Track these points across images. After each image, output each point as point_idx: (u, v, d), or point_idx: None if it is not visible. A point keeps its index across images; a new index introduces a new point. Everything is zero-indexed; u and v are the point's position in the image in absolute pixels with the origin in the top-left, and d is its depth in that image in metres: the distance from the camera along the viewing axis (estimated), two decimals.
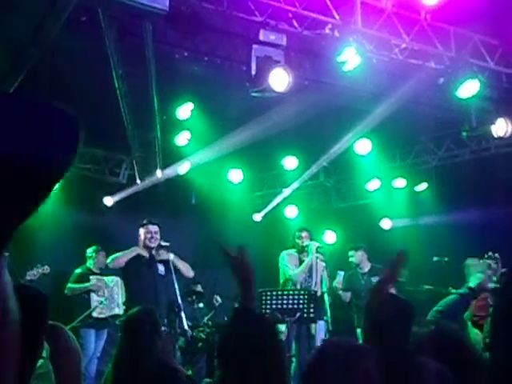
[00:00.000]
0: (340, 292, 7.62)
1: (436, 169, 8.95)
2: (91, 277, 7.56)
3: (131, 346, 2.98)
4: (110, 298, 7.53)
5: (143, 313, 3.19)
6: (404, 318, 2.93)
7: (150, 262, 6.47)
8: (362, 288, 7.44)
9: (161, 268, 6.50)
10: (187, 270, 6.63)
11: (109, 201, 8.90)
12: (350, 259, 7.91)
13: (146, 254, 6.43)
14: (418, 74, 6.28)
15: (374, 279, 7.63)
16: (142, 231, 6.46)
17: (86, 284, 7.49)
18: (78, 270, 7.66)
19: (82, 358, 2.34)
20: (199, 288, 8.61)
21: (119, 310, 7.31)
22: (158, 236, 6.47)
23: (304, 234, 7.11)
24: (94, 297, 7.46)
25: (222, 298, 9.03)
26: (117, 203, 8.93)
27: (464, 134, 7.02)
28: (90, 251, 7.78)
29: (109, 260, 6.61)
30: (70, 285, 7.52)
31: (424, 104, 7.24)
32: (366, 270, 7.79)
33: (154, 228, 6.46)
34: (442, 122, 7.57)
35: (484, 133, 6.89)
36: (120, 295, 7.48)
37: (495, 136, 6.88)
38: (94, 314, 7.37)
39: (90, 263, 7.73)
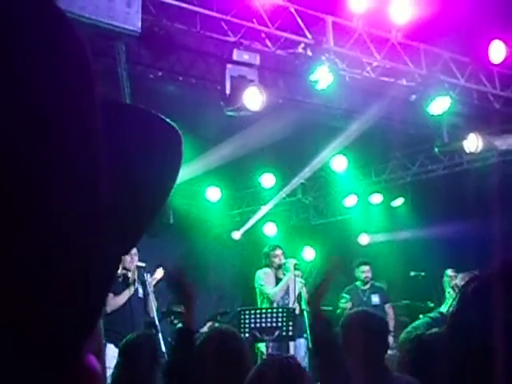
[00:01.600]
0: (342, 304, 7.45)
1: (411, 184, 9.05)
2: None
3: (130, 373, 2.88)
4: None
5: (144, 339, 3.08)
6: (379, 335, 2.95)
7: (128, 283, 6.43)
8: (362, 305, 7.37)
9: (140, 290, 6.48)
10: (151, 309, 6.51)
11: None
12: (359, 274, 7.79)
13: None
14: (391, 92, 6.38)
15: (375, 296, 7.62)
16: None
17: None
18: None
19: None
20: (181, 309, 8.52)
21: None
22: (136, 257, 6.44)
23: (278, 251, 7.07)
24: None
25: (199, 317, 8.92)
26: None
27: (436, 149, 7.13)
28: None
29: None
30: None
31: (397, 121, 7.34)
32: (368, 286, 7.76)
33: (133, 249, 6.43)
34: (415, 138, 7.68)
35: (456, 148, 7.01)
36: None
37: (467, 151, 7.00)
38: None
39: None
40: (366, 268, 7.82)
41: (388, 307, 7.55)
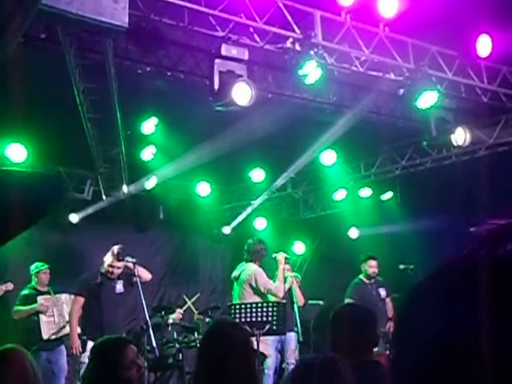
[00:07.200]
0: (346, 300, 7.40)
1: (400, 178, 9.09)
2: (38, 297, 7.16)
3: (95, 374, 2.79)
4: (59, 316, 7.15)
5: (109, 343, 2.92)
6: (366, 328, 2.95)
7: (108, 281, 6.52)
8: (372, 300, 7.38)
9: (119, 286, 6.52)
10: (145, 274, 6.67)
11: (74, 218, 8.78)
12: (370, 269, 7.73)
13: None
14: (379, 86, 6.40)
15: (382, 290, 7.63)
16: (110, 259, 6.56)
17: (33, 305, 7.08)
18: (25, 292, 7.26)
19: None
20: (178, 311, 8.50)
21: None
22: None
23: (266, 247, 7.04)
24: (43, 318, 7.09)
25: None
26: (83, 220, 8.82)
27: (425, 143, 7.16)
28: (32, 269, 7.36)
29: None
30: (16, 308, 7.11)
31: (385, 115, 7.37)
32: (373, 280, 7.77)
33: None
34: (403, 131, 7.71)
35: (444, 142, 7.03)
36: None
37: (455, 145, 7.03)
38: (45, 336, 7.04)
39: (34, 282, 7.35)
40: (373, 263, 7.76)
41: (389, 301, 7.62)
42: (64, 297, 7.26)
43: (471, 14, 6.04)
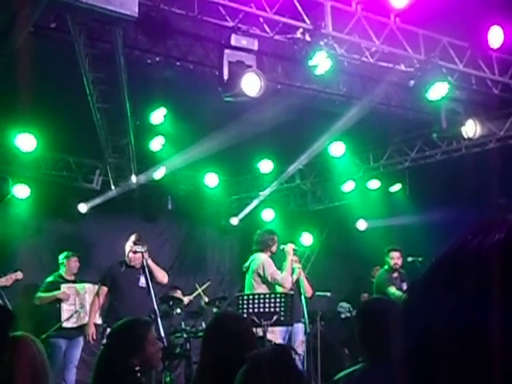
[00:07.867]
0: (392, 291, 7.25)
1: (409, 170, 9.06)
2: (62, 285, 7.25)
3: (108, 357, 2.85)
4: (80, 306, 7.18)
5: (125, 326, 2.98)
6: (392, 321, 2.91)
7: (131, 271, 6.55)
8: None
9: (143, 280, 6.53)
10: (162, 275, 6.66)
11: (83, 207, 8.82)
12: (391, 260, 7.60)
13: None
14: (389, 77, 6.36)
15: (404, 285, 7.55)
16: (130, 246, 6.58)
17: (55, 293, 7.17)
18: (50, 279, 7.38)
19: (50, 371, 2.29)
20: (178, 294, 8.55)
21: None
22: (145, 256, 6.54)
23: (275, 237, 6.99)
24: (64, 306, 7.15)
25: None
26: (92, 210, 8.86)
27: (434, 135, 7.12)
28: (61, 257, 7.49)
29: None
30: (38, 294, 7.24)
31: (395, 106, 7.33)
32: (397, 274, 7.67)
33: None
34: (413, 123, 7.67)
35: (454, 134, 7.00)
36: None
37: (465, 137, 6.99)
38: (65, 324, 7.08)
39: (62, 270, 7.46)
40: (395, 254, 7.61)
41: None
42: (88, 286, 7.32)
43: (483, 5, 5.99)
